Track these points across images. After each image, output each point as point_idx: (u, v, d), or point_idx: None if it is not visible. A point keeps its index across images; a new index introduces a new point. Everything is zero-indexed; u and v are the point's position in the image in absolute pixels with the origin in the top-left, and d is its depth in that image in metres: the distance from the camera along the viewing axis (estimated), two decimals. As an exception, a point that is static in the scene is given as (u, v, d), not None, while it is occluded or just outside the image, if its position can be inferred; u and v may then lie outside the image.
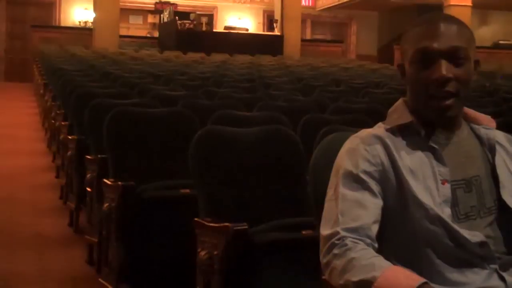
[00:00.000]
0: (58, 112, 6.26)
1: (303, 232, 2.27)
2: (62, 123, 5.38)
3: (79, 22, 18.80)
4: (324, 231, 1.42)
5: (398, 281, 1.25)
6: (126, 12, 18.58)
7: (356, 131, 1.57)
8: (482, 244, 1.42)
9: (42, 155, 7.14)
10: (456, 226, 1.42)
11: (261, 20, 20.98)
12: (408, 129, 1.52)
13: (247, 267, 2.25)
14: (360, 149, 1.49)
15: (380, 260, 1.32)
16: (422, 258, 1.42)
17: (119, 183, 2.92)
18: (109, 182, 3.03)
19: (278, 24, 17.57)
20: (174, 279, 2.87)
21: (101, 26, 14.89)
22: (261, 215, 2.42)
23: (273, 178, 2.64)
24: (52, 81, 8.27)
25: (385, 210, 1.44)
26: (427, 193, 1.44)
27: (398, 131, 1.52)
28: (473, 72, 1.53)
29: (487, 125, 1.58)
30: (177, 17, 16.29)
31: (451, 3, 16.76)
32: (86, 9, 18.35)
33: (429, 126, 1.51)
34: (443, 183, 1.46)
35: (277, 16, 17.88)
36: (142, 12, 20.09)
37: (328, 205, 1.47)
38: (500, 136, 1.60)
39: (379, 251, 1.38)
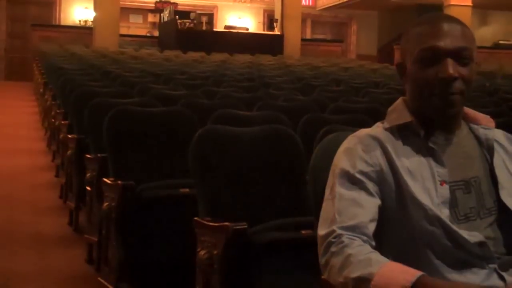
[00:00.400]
0: (58, 111, 6.25)
1: (303, 232, 2.27)
2: (62, 122, 5.38)
3: (79, 21, 18.80)
4: (321, 231, 1.42)
5: (395, 277, 1.25)
6: (126, 11, 18.58)
7: (356, 131, 1.57)
8: (481, 244, 1.42)
9: (42, 154, 7.14)
10: (454, 227, 1.42)
11: (261, 19, 20.99)
12: (407, 129, 1.52)
13: (246, 267, 2.25)
14: (357, 149, 1.49)
15: (377, 255, 1.33)
16: (421, 258, 1.42)
17: (119, 182, 2.92)
18: (109, 182, 3.03)
19: (278, 23, 17.57)
20: (174, 278, 2.87)
21: (101, 25, 14.88)
22: (260, 215, 2.42)
23: (273, 178, 2.64)
24: (52, 80, 8.26)
25: (383, 211, 1.44)
26: (425, 194, 1.44)
27: (397, 130, 1.52)
28: (475, 73, 1.53)
29: (486, 125, 1.58)
30: (177, 16, 16.29)
31: (451, 3, 16.75)
32: (86, 8, 18.35)
33: (429, 127, 1.51)
34: (441, 184, 1.46)
35: (277, 15, 17.88)
36: (142, 11, 20.10)
37: (325, 204, 1.48)
38: (499, 135, 1.60)
39: (378, 251, 1.38)
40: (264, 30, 19.79)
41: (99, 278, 3.21)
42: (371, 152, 1.48)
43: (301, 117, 3.64)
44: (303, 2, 19.25)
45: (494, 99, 6.86)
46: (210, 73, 8.96)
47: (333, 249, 1.36)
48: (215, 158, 2.55)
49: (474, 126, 1.58)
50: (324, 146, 1.71)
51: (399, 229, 1.44)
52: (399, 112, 1.55)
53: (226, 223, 2.22)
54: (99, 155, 3.46)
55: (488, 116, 1.61)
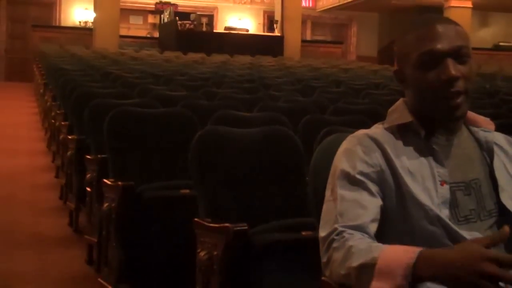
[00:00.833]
0: (58, 112, 6.26)
1: (303, 233, 2.27)
2: (62, 123, 5.38)
3: (80, 22, 18.80)
4: (322, 232, 1.42)
5: (397, 257, 1.24)
6: (127, 12, 18.58)
7: (355, 132, 1.57)
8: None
9: (42, 155, 7.14)
10: (455, 226, 1.42)
11: (261, 20, 21.00)
12: (408, 129, 1.52)
13: (246, 268, 2.25)
14: (357, 150, 1.49)
15: (377, 244, 1.33)
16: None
17: (119, 183, 2.92)
18: (109, 182, 3.03)
19: (279, 25, 17.58)
20: (174, 279, 2.87)
21: (101, 26, 14.90)
22: (261, 216, 2.42)
23: (273, 179, 2.64)
24: (52, 81, 8.27)
25: (384, 211, 1.44)
26: (425, 194, 1.44)
27: (398, 131, 1.53)
28: (474, 69, 1.54)
29: (486, 128, 1.58)
30: (177, 18, 16.30)
31: (452, 5, 16.76)
32: (86, 9, 18.36)
33: (429, 127, 1.52)
34: (441, 184, 1.46)
35: (278, 17, 17.89)
36: (143, 12, 20.10)
37: (326, 206, 1.47)
38: (499, 138, 1.60)
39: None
40: (264, 32, 19.81)
41: (99, 279, 3.21)
42: (371, 152, 1.48)
43: (301, 118, 3.64)
44: (303, 4, 19.27)
45: (494, 100, 6.86)
46: (210, 74, 8.97)
47: (334, 245, 1.36)
48: (215, 159, 2.55)
49: (474, 129, 1.58)
50: (324, 147, 1.71)
51: (400, 229, 1.44)
52: (399, 112, 1.55)
53: (226, 224, 2.22)
54: (99, 156, 3.46)
55: (488, 119, 1.61)
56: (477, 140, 1.57)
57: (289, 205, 2.60)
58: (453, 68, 1.45)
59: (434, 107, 1.48)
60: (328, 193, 1.49)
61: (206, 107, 4.37)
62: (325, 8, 21.05)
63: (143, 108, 3.64)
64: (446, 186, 1.46)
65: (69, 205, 4.42)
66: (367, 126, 1.63)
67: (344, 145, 1.53)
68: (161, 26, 18.29)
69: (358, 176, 1.45)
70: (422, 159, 1.48)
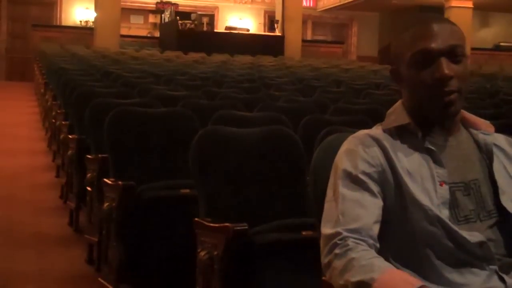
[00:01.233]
0: (58, 111, 6.26)
1: (303, 233, 2.27)
2: (63, 122, 5.38)
3: (80, 21, 18.81)
4: (325, 230, 1.42)
5: (395, 285, 1.25)
6: (127, 11, 18.58)
7: (356, 132, 1.57)
8: (481, 244, 1.42)
9: (43, 154, 7.15)
10: (455, 227, 1.42)
11: (262, 20, 21.00)
12: (406, 131, 1.53)
13: (247, 268, 2.25)
14: (359, 150, 1.49)
15: (380, 261, 1.32)
16: (421, 258, 1.42)
17: (120, 182, 2.92)
18: (109, 182, 3.03)
19: (279, 24, 17.59)
20: (174, 279, 2.87)
21: (102, 25, 14.89)
22: (261, 216, 2.42)
23: (274, 179, 2.64)
24: (53, 81, 8.27)
25: (384, 211, 1.45)
26: (425, 195, 1.44)
27: (396, 132, 1.53)
28: (469, 69, 1.54)
29: (485, 130, 1.59)
30: (178, 17, 16.30)
31: (452, 5, 16.76)
32: (87, 8, 18.37)
33: (427, 128, 1.52)
34: (441, 185, 1.46)
35: (278, 16, 17.90)
36: (143, 12, 20.11)
37: (328, 205, 1.48)
38: (500, 139, 1.60)
39: (379, 251, 1.38)
40: (265, 31, 19.82)
41: (99, 279, 3.21)
42: (373, 152, 1.48)
43: (301, 118, 3.64)
44: (304, 3, 19.27)
45: (494, 101, 6.86)
46: (210, 74, 8.97)
47: (337, 251, 1.37)
48: (216, 158, 2.55)
49: (474, 131, 1.58)
50: (324, 147, 1.71)
51: (400, 229, 1.44)
52: (397, 114, 1.55)
53: (227, 224, 2.22)
54: (99, 155, 3.46)
55: (488, 122, 1.61)
56: (477, 142, 1.57)
57: (289, 205, 2.60)
58: (447, 68, 1.45)
59: (428, 105, 1.49)
60: (330, 192, 1.49)
61: (207, 106, 4.37)
62: (326, 8, 21.05)
63: (143, 108, 3.64)
64: (446, 187, 1.46)
65: (70, 205, 4.42)
66: (368, 126, 1.63)
67: (346, 145, 1.53)
68: (161, 26, 18.30)
69: (360, 176, 1.45)
70: (421, 160, 1.48)
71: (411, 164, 1.48)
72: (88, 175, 3.55)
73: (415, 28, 1.50)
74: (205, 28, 16.31)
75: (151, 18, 19.98)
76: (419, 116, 1.52)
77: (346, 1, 19.63)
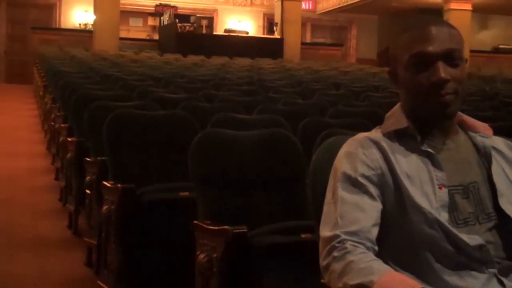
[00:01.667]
0: (57, 114, 6.26)
1: (302, 235, 2.27)
2: (62, 125, 5.38)
3: (79, 24, 18.81)
4: (324, 233, 1.42)
5: (395, 287, 1.25)
6: (126, 14, 18.60)
7: (356, 135, 1.57)
8: (481, 247, 1.42)
9: (42, 157, 7.14)
10: (454, 230, 1.42)
11: (261, 23, 21.01)
12: (404, 134, 1.53)
13: (246, 270, 2.25)
14: (358, 153, 1.49)
15: (379, 264, 1.32)
16: (421, 261, 1.42)
17: (119, 185, 2.92)
18: (108, 185, 3.03)
19: (278, 27, 17.60)
20: (173, 282, 2.87)
21: (101, 28, 14.91)
22: (260, 218, 2.42)
23: (273, 181, 2.64)
24: (52, 83, 8.27)
25: (383, 214, 1.45)
26: (424, 198, 1.44)
27: (395, 135, 1.53)
28: (466, 71, 1.54)
29: (484, 133, 1.59)
30: (177, 20, 16.32)
31: (451, 7, 16.79)
32: (86, 11, 18.37)
33: (425, 132, 1.52)
34: (440, 188, 1.46)
35: (277, 19, 17.91)
36: (142, 14, 20.12)
37: (327, 208, 1.48)
38: (498, 142, 1.60)
39: (378, 254, 1.38)
40: (264, 34, 19.83)
41: (98, 281, 3.21)
42: (372, 155, 1.48)
43: (300, 120, 3.64)
44: (303, 6, 19.29)
45: (494, 103, 6.87)
46: (210, 77, 8.97)
47: (335, 253, 1.36)
48: (215, 161, 2.55)
49: (472, 134, 1.59)
50: (323, 150, 1.71)
51: (399, 232, 1.44)
52: (396, 117, 1.56)
53: (226, 227, 2.22)
54: (98, 158, 3.46)
55: (486, 125, 1.61)
56: (475, 145, 1.57)
57: (288, 208, 2.60)
58: (444, 71, 1.45)
59: (425, 106, 1.49)
60: (329, 195, 1.49)
61: (206, 109, 4.37)
62: (325, 10, 21.07)
63: (142, 111, 3.64)
64: (445, 190, 1.46)
65: (69, 208, 4.42)
66: (367, 128, 1.63)
67: (345, 148, 1.53)
68: (161, 29, 18.30)
69: (360, 179, 1.45)
70: (420, 163, 1.48)
71: (410, 167, 1.48)
72: (87, 178, 3.55)
73: (413, 30, 1.50)
74: (204, 31, 16.32)
75: (150, 21, 19.98)
76: (418, 119, 1.52)
77: (345, 4, 19.66)
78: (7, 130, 8.92)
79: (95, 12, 15.29)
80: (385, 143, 1.51)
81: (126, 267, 2.90)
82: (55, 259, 3.76)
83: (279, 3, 17.88)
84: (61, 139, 5.19)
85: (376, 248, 1.40)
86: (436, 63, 1.46)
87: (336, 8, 20.37)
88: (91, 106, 4.01)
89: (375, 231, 1.41)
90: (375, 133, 1.55)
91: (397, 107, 1.59)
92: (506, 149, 1.59)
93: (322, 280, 1.44)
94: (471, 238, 1.42)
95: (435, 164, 1.48)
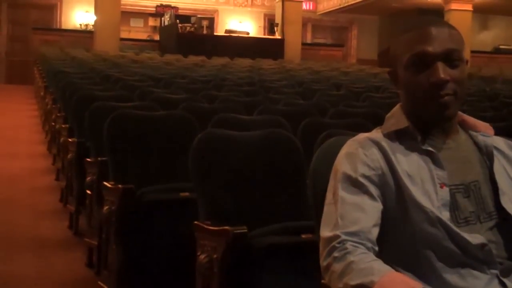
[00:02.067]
0: (58, 114, 6.26)
1: (303, 236, 2.27)
2: (63, 125, 5.38)
3: (80, 25, 18.82)
4: (324, 233, 1.42)
5: (395, 287, 1.25)
6: (127, 15, 18.60)
7: (356, 135, 1.58)
8: (483, 246, 1.42)
9: (42, 157, 7.14)
10: (456, 228, 1.42)
11: (262, 23, 21.01)
12: (405, 134, 1.53)
13: (246, 271, 2.25)
14: (359, 153, 1.49)
15: (379, 264, 1.32)
16: (422, 261, 1.42)
17: (119, 186, 2.92)
18: (109, 185, 3.03)
19: (279, 28, 17.60)
20: (174, 282, 2.87)
21: (102, 29, 14.91)
22: (260, 219, 2.42)
23: (273, 182, 2.64)
24: (53, 84, 8.28)
25: (384, 214, 1.45)
26: (425, 197, 1.44)
27: (395, 136, 1.53)
28: (467, 72, 1.54)
29: (485, 133, 1.59)
30: (178, 21, 16.32)
31: (452, 8, 16.78)
32: (87, 12, 18.38)
33: (426, 131, 1.52)
34: (441, 187, 1.46)
35: (278, 20, 17.91)
36: (143, 15, 20.12)
37: (327, 208, 1.48)
38: (499, 142, 1.60)
39: (379, 255, 1.38)
40: (264, 34, 19.81)
41: (99, 282, 3.21)
42: (372, 155, 1.49)
43: (301, 121, 3.64)
44: (304, 7, 19.28)
45: (494, 104, 6.87)
46: (210, 77, 8.97)
47: (336, 254, 1.36)
48: (216, 162, 2.55)
49: (473, 133, 1.59)
50: (324, 150, 1.71)
51: (401, 232, 1.44)
52: (396, 118, 1.56)
53: (226, 227, 2.22)
54: (99, 158, 3.46)
55: (488, 124, 1.61)
56: (476, 144, 1.57)
57: (289, 208, 2.60)
58: (443, 72, 1.46)
59: (424, 107, 1.49)
60: (329, 195, 1.49)
61: (206, 110, 4.37)
62: (326, 11, 21.07)
63: (143, 111, 3.64)
64: (446, 189, 1.46)
65: (69, 208, 4.42)
66: (367, 129, 1.63)
67: (346, 149, 1.53)
68: (161, 29, 18.31)
69: (360, 179, 1.45)
70: (421, 163, 1.48)
71: (411, 167, 1.48)
72: (88, 178, 3.55)
73: (413, 31, 1.51)
74: (205, 32, 16.32)
75: (151, 22, 19.99)
76: (418, 118, 1.53)
77: (346, 4, 19.65)
78: (7, 131, 8.93)
79: (96, 12, 15.29)
80: (385, 143, 1.51)
81: (126, 268, 2.90)
82: (55, 260, 3.76)
83: (280, 3, 17.88)
84: (61, 139, 5.20)
85: (377, 248, 1.40)
86: (435, 63, 1.46)
87: (336, 9, 20.37)
88: (92, 107, 4.01)
89: (375, 232, 1.41)
90: (376, 134, 1.56)
91: (397, 107, 1.59)
92: (507, 148, 1.59)
93: (322, 281, 1.44)
94: (473, 237, 1.42)
95: (436, 163, 1.48)
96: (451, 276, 1.40)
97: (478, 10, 17.65)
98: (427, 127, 1.52)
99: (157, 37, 18.83)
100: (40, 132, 8.95)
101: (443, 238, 1.41)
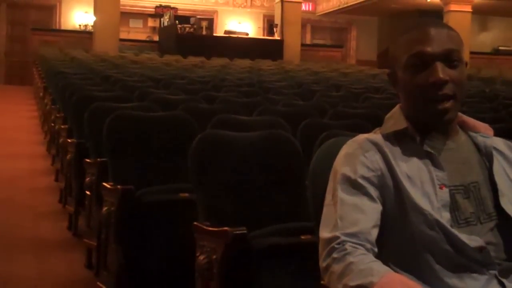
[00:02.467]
0: (57, 115, 6.26)
1: (302, 237, 2.27)
2: (62, 126, 5.38)
3: (79, 25, 18.82)
4: (324, 234, 1.42)
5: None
6: (126, 15, 18.61)
7: (356, 136, 1.57)
8: (481, 249, 1.42)
9: (42, 158, 7.14)
10: (455, 231, 1.42)
11: (261, 24, 21.02)
12: (404, 135, 1.53)
13: (246, 272, 2.24)
14: (358, 154, 1.49)
15: (378, 265, 1.32)
16: (421, 263, 1.42)
17: (118, 186, 2.92)
18: (108, 186, 3.03)
19: (278, 28, 17.61)
20: (173, 283, 2.87)
21: (101, 29, 14.92)
22: (260, 220, 2.42)
23: (272, 183, 2.64)
24: (52, 84, 8.28)
25: (384, 216, 1.44)
26: (425, 199, 1.44)
27: (394, 137, 1.53)
28: (466, 74, 1.53)
29: (484, 133, 1.59)
30: (177, 21, 16.34)
31: (451, 9, 16.79)
32: (86, 12, 18.38)
33: (425, 132, 1.52)
34: (441, 188, 1.46)
35: (277, 20, 17.92)
36: (142, 16, 20.13)
37: (326, 209, 1.47)
38: (499, 143, 1.60)
39: (378, 256, 1.38)
40: (264, 35, 19.83)
41: (98, 283, 3.21)
42: (372, 157, 1.48)
43: (300, 122, 3.64)
44: (303, 7, 19.30)
45: (493, 105, 6.87)
46: (210, 78, 8.97)
47: (335, 255, 1.36)
48: (215, 162, 2.55)
49: (473, 134, 1.59)
50: (323, 151, 1.71)
51: (399, 233, 1.44)
52: (395, 119, 1.56)
53: (226, 228, 2.22)
54: (98, 159, 3.46)
55: (487, 125, 1.61)
56: (476, 145, 1.57)
57: (288, 209, 2.60)
58: (442, 72, 1.45)
59: (423, 109, 1.49)
60: (329, 197, 1.49)
61: (206, 110, 4.37)
62: (325, 12, 21.09)
63: (142, 112, 3.64)
64: (446, 190, 1.46)
65: (69, 209, 4.42)
66: (367, 130, 1.63)
67: (345, 150, 1.53)
68: (161, 30, 18.32)
69: (359, 180, 1.45)
70: (420, 164, 1.48)
71: (411, 168, 1.48)
72: (87, 179, 3.55)
73: (412, 32, 1.51)
74: (204, 32, 16.33)
75: (150, 22, 19.99)
76: (417, 119, 1.52)
77: (345, 5, 19.66)
78: (7, 131, 8.92)
79: (95, 13, 15.29)
80: (384, 145, 1.51)
81: (125, 269, 2.89)
82: (55, 260, 3.76)
83: (279, 4, 17.89)
84: (61, 140, 5.19)
85: (376, 249, 1.39)
86: (434, 63, 1.46)
87: (336, 10, 20.38)
88: (91, 107, 4.01)
89: (375, 233, 1.41)
90: (375, 135, 1.55)
91: (396, 108, 1.59)
92: (506, 149, 1.59)
93: (322, 282, 1.44)
94: (472, 239, 1.42)
95: (436, 164, 1.48)
96: (449, 278, 1.40)
97: (477, 11, 17.66)
98: (426, 128, 1.52)
99: (156, 38, 18.83)
100: (39, 132, 8.95)
101: (441, 240, 1.41)
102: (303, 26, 19.44)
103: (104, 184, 3.07)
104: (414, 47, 1.48)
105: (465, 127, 1.59)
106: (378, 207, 1.44)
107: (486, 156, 1.56)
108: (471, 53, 16.35)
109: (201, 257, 2.27)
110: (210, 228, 2.30)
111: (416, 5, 18.75)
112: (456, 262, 1.41)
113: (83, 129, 4.04)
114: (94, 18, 15.55)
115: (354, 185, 1.45)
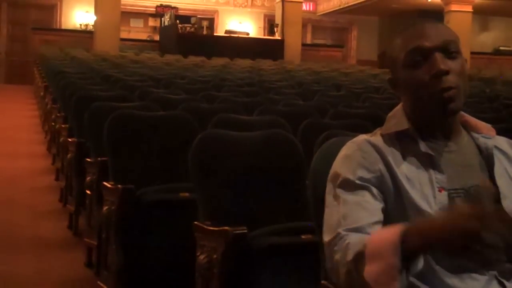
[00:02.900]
0: (58, 114, 6.26)
1: (303, 237, 2.27)
2: (62, 125, 5.38)
3: (80, 25, 18.81)
4: (326, 237, 1.42)
5: (384, 237, 1.25)
6: (127, 15, 18.60)
7: (356, 136, 1.57)
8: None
9: (42, 157, 7.14)
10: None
11: (262, 24, 21.01)
12: (405, 136, 1.52)
13: (246, 271, 2.25)
14: (357, 156, 1.48)
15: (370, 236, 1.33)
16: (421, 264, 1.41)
17: (119, 186, 2.92)
18: (108, 185, 3.03)
19: (279, 28, 17.61)
20: (173, 283, 2.87)
21: (102, 29, 14.92)
22: (260, 219, 2.42)
23: (273, 182, 2.64)
24: (53, 84, 8.28)
25: (384, 215, 1.44)
26: (424, 200, 1.44)
27: (395, 137, 1.52)
28: (467, 66, 1.53)
29: (487, 134, 1.58)
30: (178, 21, 16.34)
31: (452, 9, 16.78)
32: (87, 12, 18.37)
33: (427, 134, 1.51)
34: (439, 191, 1.45)
35: (278, 20, 17.92)
36: (143, 15, 20.13)
37: (328, 211, 1.47)
38: (502, 142, 1.59)
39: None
40: (264, 35, 19.82)
41: (98, 282, 3.21)
42: (371, 158, 1.48)
43: (301, 122, 3.64)
44: (304, 7, 19.28)
45: (494, 105, 6.86)
46: (210, 78, 8.97)
47: (336, 248, 1.37)
48: (215, 162, 2.55)
49: (475, 135, 1.57)
50: (324, 151, 1.71)
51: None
52: (397, 119, 1.55)
53: (226, 228, 2.22)
54: (99, 158, 3.46)
55: (489, 125, 1.60)
56: (478, 147, 1.56)
57: (288, 209, 2.60)
58: (442, 62, 1.45)
59: (428, 104, 1.47)
60: (329, 198, 1.48)
61: (206, 110, 4.37)
62: (326, 12, 21.08)
63: (143, 111, 3.64)
64: (444, 193, 1.45)
65: (69, 208, 4.42)
66: (367, 130, 1.63)
67: (344, 151, 1.52)
68: (161, 29, 18.31)
69: (359, 182, 1.45)
70: (420, 166, 1.47)
71: (410, 170, 1.47)
72: (88, 178, 3.55)
73: (407, 30, 1.51)
74: (205, 32, 16.33)
75: (151, 22, 20.00)
76: (420, 120, 1.51)
77: (346, 5, 19.66)
78: (7, 131, 8.92)
79: (96, 12, 15.29)
80: (384, 146, 1.50)
81: (126, 268, 2.90)
82: (55, 260, 3.76)
83: (280, 4, 17.89)
84: (61, 139, 5.20)
85: None
86: (433, 55, 1.45)
87: (336, 10, 20.37)
88: (92, 107, 4.01)
89: (375, 228, 1.40)
90: (375, 135, 1.55)
91: (399, 107, 1.58)
92: (509, 149, 1.58)
93: (322, 282, 1.44)
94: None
95: (436, 166, 1.47)
96: (450, 279, 1.40)
97: (478, 11, 17.65)
98: (428, 128, 1.51)
99: (157, 38, 18.83)
100: (39, 132, 8.95)
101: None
102: (304, 26, 19.43)
103: (105, 183, 3.07)
104: (411, 43, 1.48)
105: (467, 127, 1.58)
106: (380, 205, 1.44)
107: (487, 158, 1.55)
108: (472, 53, 16.35)
109: (202, 257, 2.27)
110: (211, 228, 2.31)
111: (416, 5, 18.74)
112: (455, 263, 1.40)
113: (84, 128, 4.04)
114: (94, 18, 15.55)
115: (354, 186, 1.45)
